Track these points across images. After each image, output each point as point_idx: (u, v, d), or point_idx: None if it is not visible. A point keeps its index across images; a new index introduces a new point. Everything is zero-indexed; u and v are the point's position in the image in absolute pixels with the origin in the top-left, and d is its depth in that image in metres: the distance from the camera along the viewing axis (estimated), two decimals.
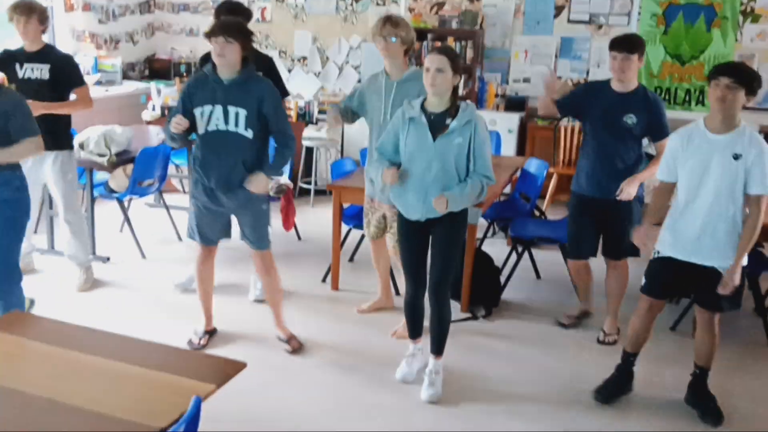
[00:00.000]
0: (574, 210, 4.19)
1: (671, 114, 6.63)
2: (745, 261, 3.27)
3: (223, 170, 3.57)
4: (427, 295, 3.55)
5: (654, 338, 3.62)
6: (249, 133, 3.52)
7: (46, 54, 4.38)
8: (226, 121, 3.51)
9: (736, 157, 3.10)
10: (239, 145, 3.54)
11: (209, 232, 3.80)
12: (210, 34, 3.46)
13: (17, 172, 3.38)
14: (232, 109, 3.50)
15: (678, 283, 3.38)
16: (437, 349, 3.58)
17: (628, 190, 3.89)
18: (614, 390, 3.55)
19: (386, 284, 4.48)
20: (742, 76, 3.08)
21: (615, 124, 3.88)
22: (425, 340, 3.68)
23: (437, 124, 3.30)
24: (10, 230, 3.37)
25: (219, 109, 3.50)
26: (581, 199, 4.10)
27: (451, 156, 3.27)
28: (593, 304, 4.41)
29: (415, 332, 3.70)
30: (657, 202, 3.44)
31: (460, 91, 3.45)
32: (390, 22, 3.82)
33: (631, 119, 3.86)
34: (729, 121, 3.14)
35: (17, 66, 4.30)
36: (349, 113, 4.10)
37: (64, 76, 4.42)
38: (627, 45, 3.84)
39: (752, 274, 4.33)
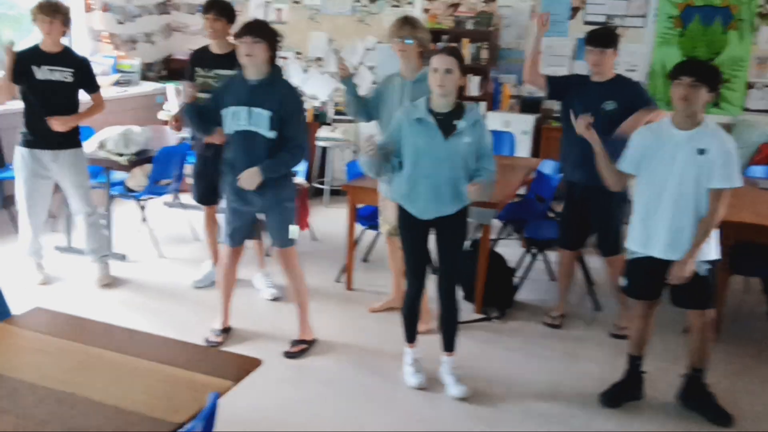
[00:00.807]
0: (567, 196, 4.31)
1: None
2: (712, 255, 3.26)
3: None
4: (437, 293, 3.57)
5: (664, 339, 3.63)
6: (272, 134, 3.57)
7: (68, 57, 4.43)
8: (250, 122, 3.56)
9: (701, 152, 3.14)
10: (263, 146, 3.58)
11: (239, 234, 3.87)
12: (237, 35, 3.52)
13: None
14: (255, 110, 3.55)
15: (657, 280, 3.37)
16: (450, 345, 3.61)
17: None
18: (621, 394, 3.54)
19: (399, 283, 4.50)
20: (704, 74, 3.13)
21: (596, 113, 3.92)
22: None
23: (444, 125, 3.33)
24: None
25: (245, 109, 3.56)
26: (570, 186, 4.23)
27: (461, 155, 3.32)
28: (566, 304, 4.49)
29: (413, 336, 3.70)
30: (613, 171, 3.43)
31: (475, 93, 3.49)
32: (408, 23, 3.85)
33: (610, 105, 3.99)
34: (693, 118, 3.18)
35: (34, 67, 4.31)
36: (360, 102, 4.08)
37: (85, 79, 4.49)
38: (602, 40, 4.01)
39: (765, 276, 4.33)
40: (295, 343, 3.95)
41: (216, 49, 4.45)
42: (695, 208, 3.20)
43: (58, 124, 4.30)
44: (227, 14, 4.39)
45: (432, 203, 3.38)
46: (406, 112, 3.42)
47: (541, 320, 4.44)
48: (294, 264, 3.93)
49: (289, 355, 3.88)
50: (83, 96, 4.58)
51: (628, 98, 4.02)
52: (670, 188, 3.21)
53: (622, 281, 3.50)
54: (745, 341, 4.27)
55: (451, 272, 3.52)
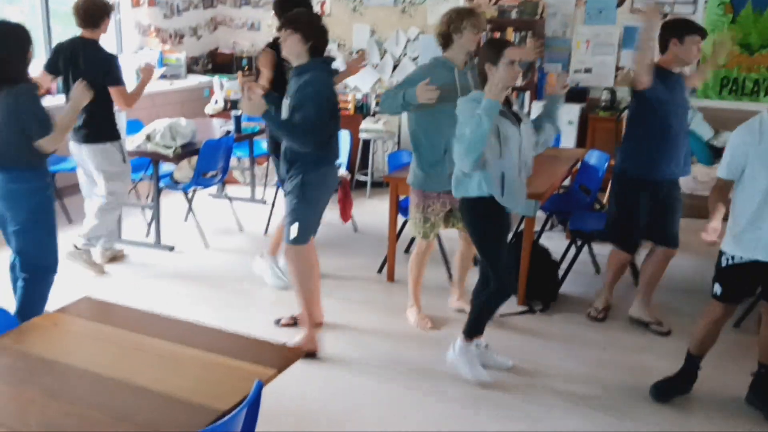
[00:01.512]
0: (626, 196, 4.06)
1: (738, 105, 6.53)
2: None
3: (283, 159, 3.70)
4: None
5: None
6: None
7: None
8: (284, 112, 3.63)
9: None
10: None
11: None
12: (278, 27, 3.60)
13: (38, 171, 3.50)
14: (286, 101, 3.62)
15: (751, 283, 3.25)
16: (465, 326, 3.62)
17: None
18: (673, 390, 3.47)
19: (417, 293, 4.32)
20: None
21: (684, 106, 3.90)
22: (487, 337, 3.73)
23: (511, 114, 3.34)
24: (36, 232, 3.50)
25: (286, 100, 3.64)
26: (639, 184, 3.98)
27: (527, 142, 3.38)
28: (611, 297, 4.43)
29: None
30: (716, 201, 3.19)
31: (519, 83, 3.45)
32: (481, 16, 3.86)
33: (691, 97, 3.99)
34: None
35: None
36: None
37: (101, 73, 4.47)
38: (703, 30, 3.90)
39: None
40: (293, 319, 4.06)
41: None
42: None
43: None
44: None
45: (522, 196, 3.46)
46: (487, 107, 3.12)
47: (585, 313, 4.38)
48: (291, 259, 3.75)
49: (278, 321, 4.08)
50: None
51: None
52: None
53: (716, 288, 3.29)
54: None
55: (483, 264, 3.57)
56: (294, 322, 4.05)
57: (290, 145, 3.59)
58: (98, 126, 4.57)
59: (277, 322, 4.11)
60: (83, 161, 4.72)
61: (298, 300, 3.81)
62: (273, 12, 4.43)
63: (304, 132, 3.48)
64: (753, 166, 3.08)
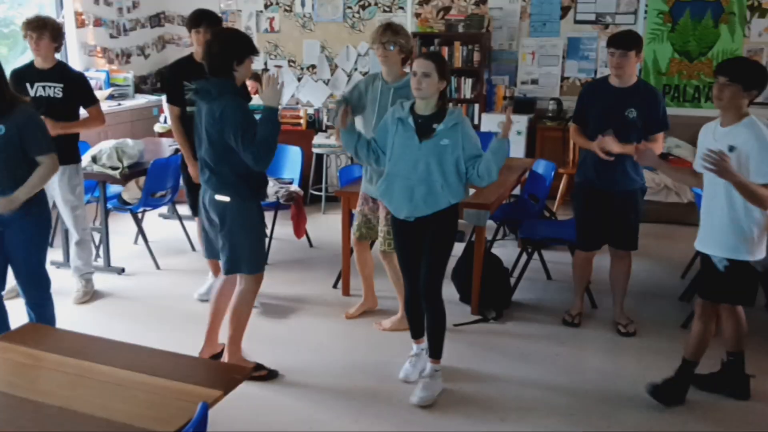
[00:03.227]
0: (580, 203, 4.27)
1: (680, 111, 6.72)
2: (742, 255, 3.22)
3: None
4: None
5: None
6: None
7: (59, 72, 4.43)
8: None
9: (731, 149, 3.12)
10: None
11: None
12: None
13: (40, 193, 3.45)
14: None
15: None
16: (434, 351, 3.58)
17: (609, 142, 3.87)
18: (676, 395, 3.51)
19: (370, 285, 4.51)
20: (737, 72, 3.12)
21: (617, 119, 3.94)
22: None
23: (424, 127, 3.35)
24: (36, 247, 3.46)
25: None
26: (587, 191, 4.16)
27: (437, 157, 3.32)
28: (584, 303, 4.49)
29: (416, 332, 3.72)
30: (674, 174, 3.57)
31: (468, 94, 3.50)
32: (390, 29, 3.86)
33: (631, 113, 3.93)
34: (732, 116, 3.19)
35: (28, 86, 4.33)
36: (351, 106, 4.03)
37: (78, 94, 4.49)
38: (624, 42, 3.92)
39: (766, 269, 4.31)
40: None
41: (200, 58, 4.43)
42: (728, 206, 3.17)
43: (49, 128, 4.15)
44: (216, 24, 4.38)
45: (405, 203, 3.39)
46: (391, 112, 3.47)
47: (538, 319, 4.44)
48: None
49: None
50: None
51: (650, 109, 3.96)
52: (712, 186, 3.23)
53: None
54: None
55: (430, 276, 3.46)
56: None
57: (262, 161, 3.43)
58: (68, 146, 4.48)
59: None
60: (53, 189, 4.54)
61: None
62: (201, 28, 4.27)
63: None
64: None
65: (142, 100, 7.44)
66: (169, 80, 4.49)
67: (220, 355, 3.72)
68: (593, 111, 4.07)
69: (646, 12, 6.78)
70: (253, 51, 3.43)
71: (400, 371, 3.72)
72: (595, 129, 4.03)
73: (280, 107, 3.48)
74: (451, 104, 3.45)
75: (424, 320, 3.61)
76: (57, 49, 4.43)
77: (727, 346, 3.52)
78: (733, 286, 3.32)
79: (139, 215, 5.49)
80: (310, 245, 5.85)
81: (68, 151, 4.51)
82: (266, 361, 3.79)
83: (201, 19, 4.32)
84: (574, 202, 4.41)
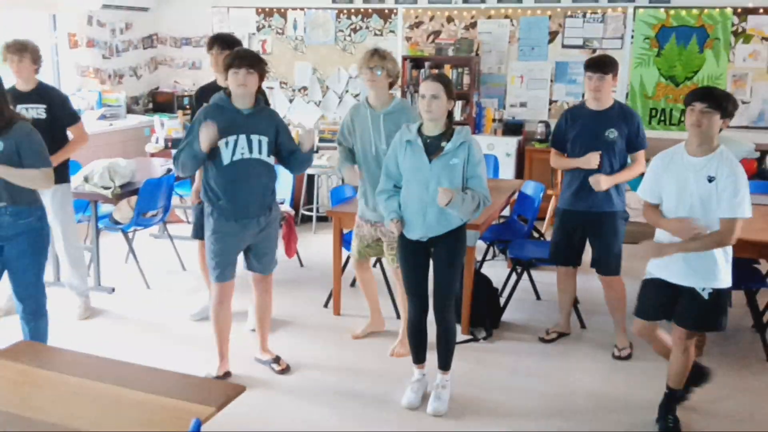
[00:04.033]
0: (560, 223, 4.34)
1: (666, 134, 6.83)
2: (724, 283, 3.26)
3: (254, 197, 3.68)
4: (431, 313, 3.60)
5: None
6: (271, 159, 3.71)
7: (41, 93, 4.44)
8: (251, 150, 3.62)
9: (711, 179, 3.15)
10: (264, 171, 3.70)
11: (232, 268, 3.80)
12: (230, 66, 3.55)
13: (38, 203, 3.51)
14: (255, 138, 3.62)
15: (665, 303, 3.38)
16: (444, 364, 3.65)
17: (599, 180, 4.01)
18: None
19: (375, 307, 4.54)
20: (716, 100, 3.14)
21: (598, 140, 4.02)
22: (429, 366, 3.73)
23: (433, 147, 3.40)
24: (35, 259, 3.49)
25: (243, 138, 3.60)
26: (568, 214, 4.23)
27: (447, 176, 3.37)
28: (570, 324, 4.53)
29: (419, 357, 3.75)
30: (651, 220, 3.42)
31: (458, 117, 3.57)
32: (377, 54, 3.94)
33: (612, 133, 4.02)
34: (706, 145, 3.20)
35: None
36: (353, 156, 4.16)
37: (61, 114, 4.50)
38: (601, 66, 4.03)
39: (749, 290, 4.38)
40: (277, 360, 4.02)
41: (223, 82, 4.46)
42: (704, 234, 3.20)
43: None
44: (231, 48, 4.39)
45: (418, 224, 3.44)
46: (399, 135, 3.51)
47: (528, 339, 4.47)
48: (271, 287, 4.04)
49: (284, 371, 3.98)
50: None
51: (628, 130, 4.07)
52: (682, 215, 3.23)
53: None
54: (729, 356, 4.30)
55: (444, 292, 3.54)
56: (287, 366, 4.03)
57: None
58: (56, 168, 4.50)
59: (284, 371, 3.98)
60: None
61: (269, 319, 4.05)
62: (214, 50, 4.34)
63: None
64: (663, 190, 3.32)
65: (134, 120, 7.48)
66: (196, 103, 4.55)
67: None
68: (574, 135, 4.15)
69: (632, 37, 6.91)
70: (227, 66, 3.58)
71: (401, 396, 3.70)
72: (577, 152, 4.13)
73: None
74: (466, 125, 3.54)
75: (426, 344, 3.68)
76: (36, 71, 4.46)
77: (671, 381, 3.47)
78: (718, 313, 3.32)
79: (130, 235, 5.50)
80: (301, 265, 5.87)
81: (58, 172, 4.53)
82: (257, 380, 3.80)
83: (213, 43, 4.39)
84: (555, 223, 4.45)
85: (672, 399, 3.48)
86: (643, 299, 3.46)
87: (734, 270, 4.27)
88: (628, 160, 4.19)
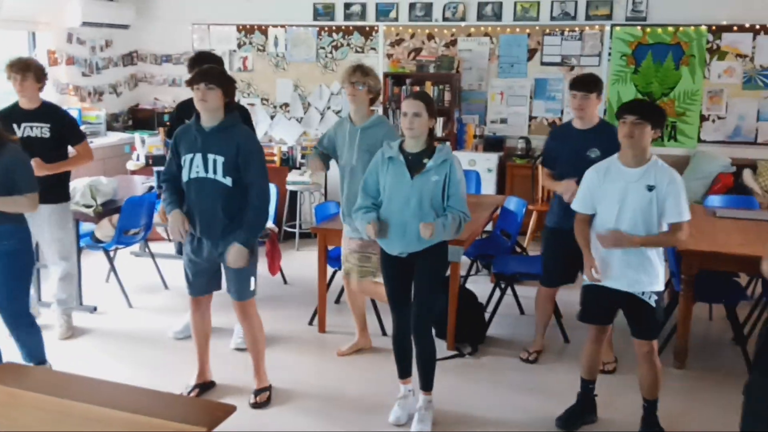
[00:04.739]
0: (549, 243, 4.36)
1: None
2: (661, 286, 3.38)
3: (205, 217, 3.59)
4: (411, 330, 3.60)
5: (628, 366, 3.69)
6: (228, 181, 3.54)
7: (46, 112, 4.44)
8: (206, 169, 3.54)
9: (650, 188, 3.26)
10: (219, 193, 3.55)
11: (198, 283, 3.79)
12: (191, 82, 3.53)
13: (22, 224, 3.49)
14: (210, 157, 3.53)
15: (607, 308, 3.51)
16: (425, 384, 3.64)
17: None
18: (576, 418, 3.63)
19: (363, 324, 4.54)
20: (646, 112, 3.26)
21: (581, 160, 4.05)
22: (415, 381, 3.72)
23: (415, 164, 3.43)
24: (17, 279, 3.48)
25: (199, 156, 3.55)
26: (557, 233, 4.23)
27: (428, 193, 3.39)
28: (544, 341, 4.53)
29: (403, 372, 3.74)
30: (581, 233, 3.51)
31: (440, 133, 3.60)
32: (360, 69, 3.99)
33: (594, 153, 4.03)
34: (640, 156, 3.30)
35: (15, 126, 4.33)
36: (325, 158, 4.26)
37: (65, 133, 4.50)
38: (586, 84, 4.07)
39: (729, 303, 4.44)
40: (258, 392, 3.88)
41: None
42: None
43: (37, 168, 4.15)
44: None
45: (398, 239, 3.45)
46: (380, 152, 3.53)
47: (513, 354, 4.49)
48: (252, 315, 3.84)
49: (257, 405, 3.82)
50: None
51: (611, 149, 4.08)
52: (622, 224, 3.32)
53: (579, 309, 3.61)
54: (710, 369, 4.35)
55: (422, 309, 3.53)
56: (269, 393, 3.92)
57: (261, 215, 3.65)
58: (59, 185, 4.52)
59: (257, 405, 3.83)
60: (38, 226, 4.45)
61: (257, 348, 3.89)
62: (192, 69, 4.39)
63: (266, 194, 3.67)
64: (600, 202, 3.41)
65: (114, 137, 7.43)
66: (175, 117, 4.57)
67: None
68: (560, 154, 4.20)
69: (610, 54, 7.01)
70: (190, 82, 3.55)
71: (388, 413, 3.69)
72: (562, 171, 4.17)
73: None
74: (446, 143, 3.57)
75: (411, 358, 3.66)
76: (40, 89, 4.45)
77: (645, 393, 3.52)
78: (660, 317, 3.46)
79: (112, 253, 5.45)
80: (285, 282, 5.86)
81: (59, 190, 4.55)
82: (243, 398, 3.78)
83: (194, 64, 4.36)
84: (543, 242, 4.48)
85: (652, 410, 3.53)
86: (585, 305, 3.56)
87: (715, 284, 4.37)
88: None
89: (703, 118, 6.90)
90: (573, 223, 4.11)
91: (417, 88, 7.08)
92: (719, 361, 4.49)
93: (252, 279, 3.75)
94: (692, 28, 6.78)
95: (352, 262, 4.23)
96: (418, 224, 3.36)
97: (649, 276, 3.35)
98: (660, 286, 3.39)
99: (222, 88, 3.51)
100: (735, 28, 6.68)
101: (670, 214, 3.27)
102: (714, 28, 6.73)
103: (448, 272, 4.58)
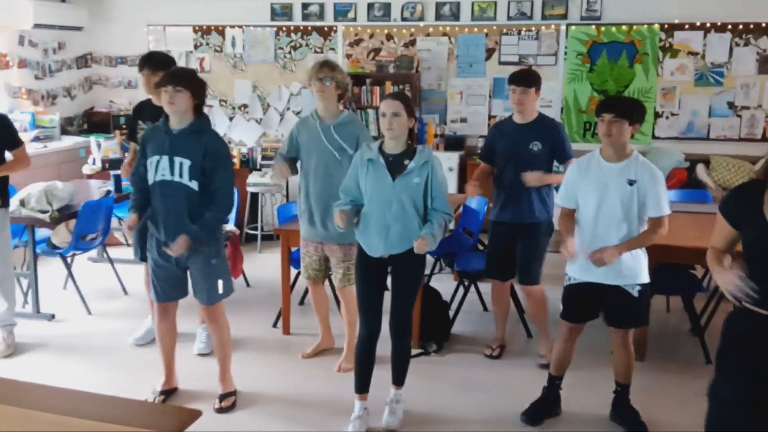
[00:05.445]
0: (492, 237, 4.42)
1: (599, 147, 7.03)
2: (645, 278, 3.45)
3: (170, 222, 3.54)
4: (387, 328, 3.57)
5: (590, 359, 3.75)
6: (194, 185, 3.49)
7: None
8: (172, 172, 3.49)
9: (631, 183, 3.34)
10: (184, 197, 3.50)
11: (164, 289, 3.73)
12: (160, 84, 3.48)
13: None
14: (177, 159, 3.48)
15: (592, 305, 3.55)
16: (398, 379, 3.65)
17: (531, 177, 4.03)
18: (541, 412, 3.69)
19: (326, 325, 4.52)
20: (623, 109, 3.33)
21: (522, 153, 4.12)
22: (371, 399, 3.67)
23: (395, 165, 3.41)
24: None
25: (165, 159, 3.50)
26: (499, 226, 4.32)
27: (410, 195, 3.38)
28: (506, 335, 4.57)
29: (362, 385, 3.61)
30: (564, 226, 3.55)
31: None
32: (327, 65, 3.95)
33: (536, 146, 4.11)
34: (620, 151, 3.38)
35: None
36: (291, 162, 4.19)
37: (1, 138, 4.35)
38: (524, 79, 4.12)
39: (686, 295, 4.55)
40: (224, 397, 3.84)
41: (158, 101, 4.39)
42: (628, 235, 3.37)
43: None
44: (163, 67, 4.33)
45: (381, 241, 3.43)
46: (359, 154, 3.51)
47: (477, 351, 4.53)
48: (220, 319, 3.82)
49: (222, 410, 3.78)
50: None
51: (552, 141, 4.16)
52: (603, 218, 3.38)
53: (561, 307, 3.63)
54: (669, 360, 4.45)
55: (402, 310, 3.53)
56: (234, 398, 3.87)
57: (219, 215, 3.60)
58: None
59: (222, 410, 3.79)
60: None
61: (223, 352, 3.85)
62: (145, 70, 4.31)
63: (230, 201, 3.64)
64: (582, 196, 3.46)
65: (69, 141, 7.28)
66: (133, 118, 4.52)
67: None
68: (500, 147, 4.25)
69: (566, 53, 7.12)
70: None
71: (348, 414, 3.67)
72: (503, 165, 4.23)
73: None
74: (420, 145, 3.54)
75: (372, 369, 3.61)
76: None
77: (620, 378, 3.64)
78: (646, 307, 3.54)
79: (69, 259, 5.34)
80: (248, 285, 5.81)
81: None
82: (206, 403, 3.74)
83: (143, 63, 4.34)
84: (488, 236, 4.52)
85: (625, 394, 3.63)
86: (568, 304, 3.59)
87: (671, 276, 4.47)
88: (561, 168, 4.29)
89: (657, 115, 7.06)
90: (512, 214, 4.20)
91: (377, 89, 7.10)
92: (678, 351, 4.60)
93: (220, 282, 3.71)
94: (645, 26, 6.92)
95: (313, 267, 4.19)
96: (401, 226, 3.37)
97: (632, 269, 3.41)
98: (644, 278, 3.45)
99: (190, 90, 3.46)
100: (686, 26, 6.85)
101: (651, 209, 3.34)
102: (666, 26, 6.89)
103: None
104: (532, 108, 4.17)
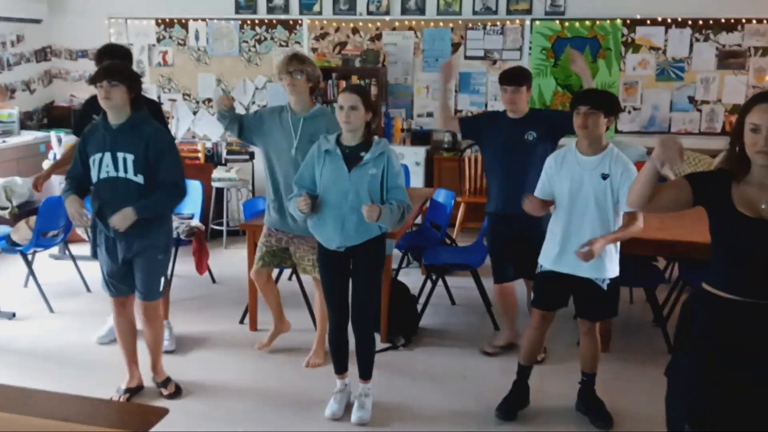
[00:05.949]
0: (492, 233, 4.36)
1: (564, 140, 7.09)
2: (616, 272, 3.50)
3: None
4: (350, 323, 3.60)
5: (557, 349, 3.80)
6: (140, 179, 3.47)
7: None
8: (116, 168, 3.46)
9: (605, 176, 3.38)
10: (131, 192, 3.47)
11: (117, 284, 3.70)
12: (93, 80, 3.43)
13: None
14: (120, 155, 3.45)
15: (562, 293, 3.60)
16: (365, 373, 3.67)
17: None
18: (514, 406, 3.71)
19: (279, 313, 4.45)
20: (599, 101, 3.36)
21: (519, 143, 4.14)
22: (351, 376, 3.74)
23: (352, 157, 3.42)
24: None
25: (108, 155, 3.46)
26: (498, 219, 4.27)
27: (366, 186, 3.38)
28: (519, 333, 4.44)
29: (340, 367, 3.74)
30: (531, 208, 3.57)
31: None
32: (296, 58, 3.93)
33: (531, 135, 4.13)
34: (596, 144, 3.41)
35: None
36: (240, 125, 4.13)
37: None
38: (516, 78, 4.12)
39: (649, 286, 4.63)
40: (164, 384, 3.88)
41: None
42: (602, 228, 3.39)
43: None
44: (121, 60, 4.25)
45: (336, 233, 3.43)
46: (317, 145, 3.50)
47: (446, 344, 4.55)
48: (158, 316, 3.82)
49: (172, 395, 3.82)
50: None
51: (547, 123, 4.16)
52: (578, 211, 3.42)
53: (532, 295, 3.69)
54: (633, 350, 4.53)
55: (363, 305, 3.55)
56: (175, 390, 3.88)
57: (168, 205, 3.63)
58: None
59: (172, 396, 3.84)
60: None
61: (159, 348, 3.84)
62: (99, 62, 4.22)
63: (180, 189, 3.60)
64: (557, 189, 3.51)
65: (28, 136, 7.12)
66: (82, 114, 4.41)
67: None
68: (494, 139, 4.22)
69: (530, 48, 7.18)
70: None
71: (324, 408, 3.69)
72: (500, 156, 4.21)
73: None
74: (376, 136, 3.53)
75: (348, 354, 3.67)
76: None
77: (586, 367, 3.69)
78: (615, 301, 3.58)
79: (30, 256, 5.23)
80: (213, 281, 5.75)
81: None
82: (172, 402, 3.70)
83: (101, 57, 4.23)
84: (487, 236, 4.47)
85: (590, 384, 3.69)
86: (539, 292, 3.63)
87: (634, 267, 4.53)
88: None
89: None
90: (509, 205, 4.09)
91: (343, 83, 7.08)
92: (641, 342, 4.67)
93: (162, 280, 3.72)
94: (608, 21, 7.01)
95: (306, 263, 4.10)
96: (357, 218, 3.36)
97: (603, 263, 3.43)
98: (615, 273, 3.49)
99: (126, 83, 3.43)
100: (648, 21, 6.95)
101: (625, 204, 3.31)
102: (628, 21, 6.98)
103: None
104: (524, 105, 4.17)
